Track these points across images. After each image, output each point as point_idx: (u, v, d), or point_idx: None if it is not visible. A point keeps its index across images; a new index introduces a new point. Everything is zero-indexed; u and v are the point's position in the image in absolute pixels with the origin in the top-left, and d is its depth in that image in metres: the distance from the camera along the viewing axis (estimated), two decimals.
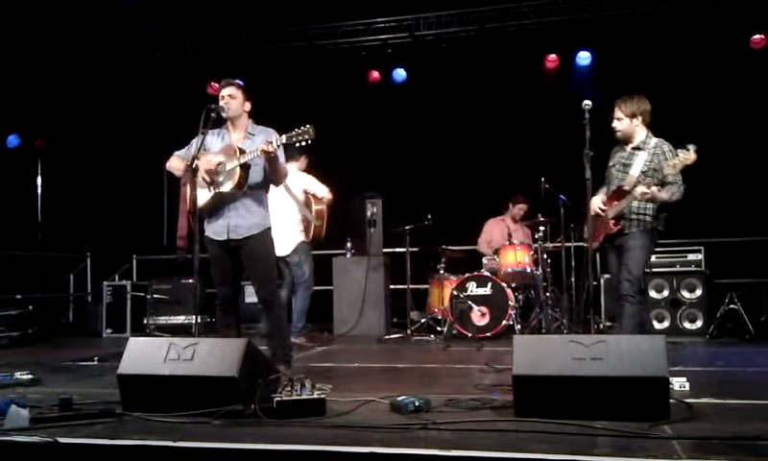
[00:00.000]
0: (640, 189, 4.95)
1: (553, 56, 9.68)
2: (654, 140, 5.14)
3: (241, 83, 5.18)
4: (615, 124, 5.23)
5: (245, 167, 4.89)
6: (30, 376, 5.06)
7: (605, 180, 5.45)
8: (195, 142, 4.96)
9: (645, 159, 5.08)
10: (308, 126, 4.75)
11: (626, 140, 5.24)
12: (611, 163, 5.36)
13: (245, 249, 5.01)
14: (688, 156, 4.84)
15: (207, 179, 4.91)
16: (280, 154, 4.96)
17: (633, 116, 5.17)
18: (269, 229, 5.12)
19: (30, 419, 3.48)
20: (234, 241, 4.99)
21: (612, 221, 5.14)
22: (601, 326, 8.09)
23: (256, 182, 5.02)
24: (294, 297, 7.63)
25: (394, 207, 9.12)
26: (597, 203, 5.27)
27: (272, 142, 4.75)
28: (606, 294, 8.38)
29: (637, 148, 5.18)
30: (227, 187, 4.91)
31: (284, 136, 4.80)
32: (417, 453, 2.93)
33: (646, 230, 5.10)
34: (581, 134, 4.95)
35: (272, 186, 5.21)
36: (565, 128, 5.64)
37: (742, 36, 8.91)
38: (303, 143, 4.76)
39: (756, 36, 8.89)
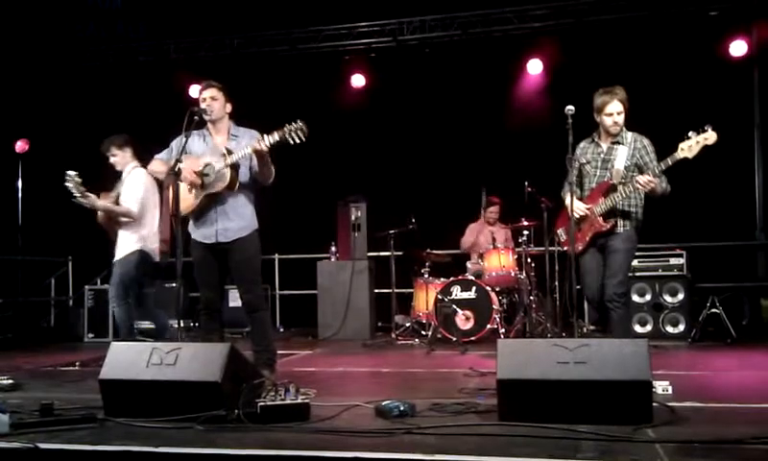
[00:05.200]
0: (646, 178, 4.69)
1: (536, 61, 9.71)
2: (629, 135, 4.95)
3: (222, 85, 5.15)
4: (618, 119, 4.89)
5: (235, 167, 4.86)
6: (10, 381, 5.00)
7: (575, 180, 5.02)
8: (176, 145, 4.92)
9: (626, 154, 4.89)
10: (299, 121, 4.63)
11: (613, 135, 4.95)
12: (583, 161, 5.04)
13: (233, 252, 4.99)
14: (708, 136, 4.58)
15: (197, 181, 4.87)
16: None
17: (626, 106, 4.91)
18: (257, 230, 5.10)
19: (10, 424, 3.44)
20: (223, 244, 4.97)
21: (602, 218, 4.92)
22: (584, 329, 8.10)
23: (244, 183, 5.00)
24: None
25: (378, 211, 9.12)
26: (579, 204, 4.94)
27: (262, 139, 4.71)
28: None
29: (617, 142, 4.95)
30: (217, 188, 4.87)
31: (276, 133, 4.69)
32: (401, 458, 2.93)
33: (633, 227, 4.94)
34: (564, 139, 4.93)
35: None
36: (549, 132, 5.65)
37: (721, 41, 9.00)
38: (297, 139, 4.63)
39: (735, 43, 8.99)
